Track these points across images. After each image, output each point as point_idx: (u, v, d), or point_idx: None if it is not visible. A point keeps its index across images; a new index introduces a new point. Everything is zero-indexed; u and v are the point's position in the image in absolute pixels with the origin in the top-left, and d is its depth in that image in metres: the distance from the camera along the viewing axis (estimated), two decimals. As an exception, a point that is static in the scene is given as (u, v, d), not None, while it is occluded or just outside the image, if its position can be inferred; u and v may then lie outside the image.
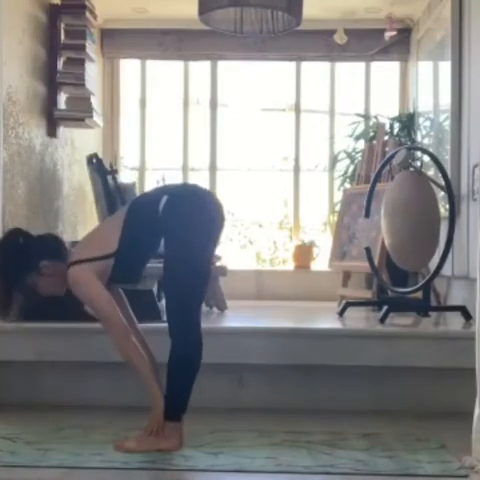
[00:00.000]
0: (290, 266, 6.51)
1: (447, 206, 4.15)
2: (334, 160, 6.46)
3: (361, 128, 6.30)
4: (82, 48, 5.00)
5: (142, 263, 2.82)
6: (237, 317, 4.34)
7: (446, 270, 4.33)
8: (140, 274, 2.85)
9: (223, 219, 2.83)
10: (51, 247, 2.77)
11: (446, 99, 4.91)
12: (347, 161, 6.19)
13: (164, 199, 2.68)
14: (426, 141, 5.71)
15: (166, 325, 3.53)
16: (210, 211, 2.75)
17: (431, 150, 4.92)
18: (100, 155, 5.27)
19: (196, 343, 2.73)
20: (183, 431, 2.66)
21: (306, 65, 6.69)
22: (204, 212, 2.72)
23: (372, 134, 5.93)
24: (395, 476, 2.42)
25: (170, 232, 2.69)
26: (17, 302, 2.75)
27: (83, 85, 5.02)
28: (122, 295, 2.87)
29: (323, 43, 6.40)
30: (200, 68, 6.73)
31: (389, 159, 4.25)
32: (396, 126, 6.03)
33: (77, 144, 5.60)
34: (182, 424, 2.66)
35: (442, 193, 4.41)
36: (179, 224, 2.67)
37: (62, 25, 5.01)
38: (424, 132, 5.79)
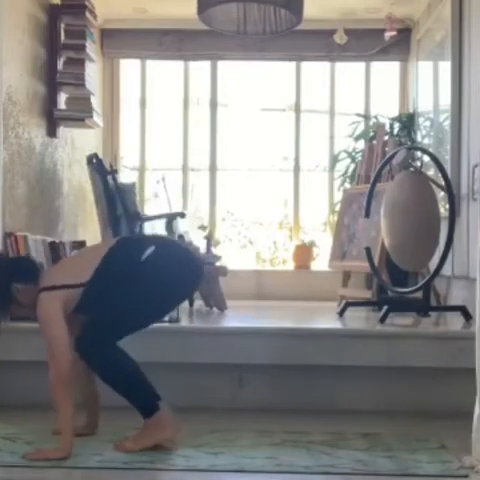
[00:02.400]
0: (290, 266, 6.51)
1: (447, 206, 4.15)
2: (334, 160, 6.46)
3: (361, 128, 6.30)
4: (82, 48, 5.00)
5: (109, 302, 2.76)
6: (237, 317, 4.34)
7: (446, 270, 4.33)
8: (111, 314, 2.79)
9: (197, 284, 2.88)
10: (24, 270, 2.74)
11: (446, 99, 4.91)
12: (347, 161, 6.19)
13: (150, 250, 2.68)
14: (426, 141, 5.71)
15: (165, 325, 3.54)
16: (188, 276, 2.77)
17: (431, 150, 4.92)
18: (100, 155, 5.27)
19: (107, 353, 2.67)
20: (169, 414, 2.65)
21: (306, 65, 6.69)
22: (182, 273, 2.73)
23: (372, 134, 5.93)
24: (395, 476, 2.42)
25: (142, 281, 2.67)
26: None
27: (83, 85, 5.02)
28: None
29: (323, 43, 6.40)
30: (200, 68, 6.73)
31: (389, 159, 4.25)
32: (396, 126, 6.04)
33: (77, 144, 5.59)
34: (164, 410, 2.64)
35: (442, 193, 4.41)
36: (153, 278, 2.66)
37: (62, 25, 5.00)
38: (424, 132, 5.79)
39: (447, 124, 4.93)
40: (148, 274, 2.66)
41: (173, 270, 2.71)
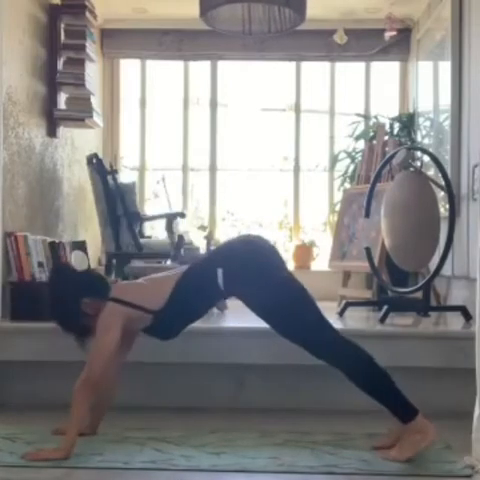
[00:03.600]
0: (290, 266, 6.51)
1: (447, 206, 4.15)
2: (334, 160, 6.46)
3: (361, 128, 6.31)
4: (82, 48, 5.00)
5: (184, 327, 2.82)
6: (237, 317, 4.34)
7: (446, 270, 4.33)
8: (177, 335, 2.84)
9: (276, 251, 2.83)
10: (94, 284, 2.76)
11: (446, 99, 4.91)
12: (347, 161, 6.19)
13: (220, 274, 2.67)
14: (426, 141, 5.71)
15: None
16: (265, 252, 2.75)
17: (431, 150, 4.92)
18: (100, 155, 5.28)
19: (354, 347, 2.70)
20: (424, 418, 2.59)
21: (306, 65, 6.69)
22: (261, 258, 2.71)
23: (372, 134, 5.93)
24: (399, 476, 2.42)
25: (244, 295, 2.72)
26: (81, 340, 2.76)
27: (83, 85, 5.02)
28: (132, 342, 2.87)
29: (323, 43, 6.40)
30: (200, 68, 6.73)
31: (389, 159, 4.25)
32: (396, 126, 6.04)
33: (77, 144, 5.59)
34: (421, 417, 2.58)
35: (442, 193, 4.41)
36: (248, 286, 2.68)
37: (62, 25, 5.00)
38: (424, 132, 5.79)
39: (447, 124, 4.93)
40: (240, 290, 2.71)
41: (252, 268, 2.69)
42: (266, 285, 2.67)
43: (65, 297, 2.71)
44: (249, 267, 2.68)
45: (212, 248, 2.94)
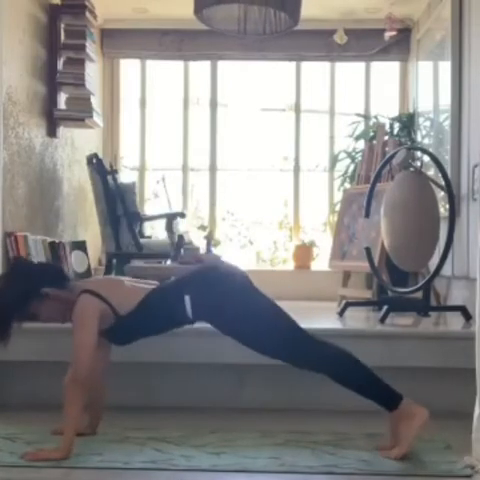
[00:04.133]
0: (290, 266, 6.51)
1: (447, 206, 4.15)
2: (334, 160, 6.46)
3: (361, 128, 6.31)
4: (82, 48, 5.01)
5: (141, 338, 2.81)
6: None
7: (446, 270, 4.33)
8: (131, 343, 2.83)
9: (240, 273, 2.81)
10: (52, 274, 2.76)
11: (446, 99, 4.91)
12: (347, 161, 6.19)
13: (188, 301, 2.65)
14: (426, 141, 5.71)
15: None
16: (231, 277, 2.73)
17: (431, 150, 4.92)
18: (100, 155, 5.28)
19: (333, 349, 2.68)
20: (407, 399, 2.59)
21: (306, 65, 6.69)
22: (227, 283, 2.70)
23: (372, 134, 5.93)
24: (399, 476, 2.42)
25: (214, 321, 2.70)
26: (13, 330, 2.74)
27: (83, 85, 5.03)
28: (108, 349, 2.86)
29: (323, 43, 6.40)
30: (200, 68, 6.73)
31: (389, 159, 4.25)
32: (396, 126, 6.04)
33: (77, 144, 5.60)
34: (406, 401, 2.58)
35: (442, 193, 4.41)
36: (217, 312, 2.66)
37: (62, 25, 5.01)
38: (424, 132, 5.79)
39: (447, 124, 4.93)
40: (210, 315, 2.69)
41: (221, 292, 2.67)
42: (235, 309, 2.65)
43: (19, 288, 2.68)
44: (217, 293, 2.66)
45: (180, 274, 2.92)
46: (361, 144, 6.07)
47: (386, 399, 2.60)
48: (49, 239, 4.43)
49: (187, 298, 2.65)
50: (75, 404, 2.56)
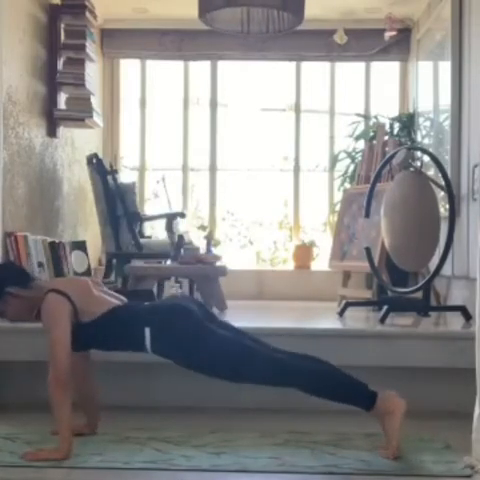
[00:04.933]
0: (290, 266, 6.51)
1: (447, 206, 4.15)
2: (334, 160, 6.46)
3: (361, 128, 6.30)
4: (82, 48, 5.01)
5: (93, 348, 2.81)
6: (237, 317, 4.34)
7: (446, 270, 4.33)
8: (83, 350, 2.82)
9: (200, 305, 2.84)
10: (15, 274, 2.77)
11: (446, 99, 4.91)
12: (347, 161, 6.19)
13: (147, 334, 2.64)
14: (426, 141, 5.71)
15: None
16: (192, 313, 2.71)
17: (431, 150, 4.92)
18: (100, 155, 5.28)
19: (291, 364, 2.67)
20: (382, 393, 2.59)
21: (306, 65, 6.69)
22: (188, 318, 2.68)
23: (372, 134, 5.93)
24: (399, 476, 2.42)
25: (174, 357, 2.70)
26: None
27: (83, 85, 5.03)
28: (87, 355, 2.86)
29: (323, 43, 6.40)
30: (200, 68, 6.73)
31: (389, 159, 4.25)
32: (396, 126, 6.04)
33: (77, 144, 5.60)
34: (380, 393, 2.58)
35: (442, 193, 4.41)
36: (176, 347, 2.66)
37: (62, 25, 5.01)
38: (424, 132, 5.79)
39: (447, 124, 4.93)
40: (168, 349, 2.69)
41: (181, 326, 2.66)
42: (195, 347, 2.64)
43: None
44: (177, 332, 2.65)
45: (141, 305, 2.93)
46: (361, 144, 6.07)
47: (360, 400, 2.60)
48: (49, 239, 4.42)
49: (147, 330, 2.64)
50: (63, 403, 2.55)
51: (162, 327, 2.66)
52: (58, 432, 2.56)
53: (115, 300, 2.80)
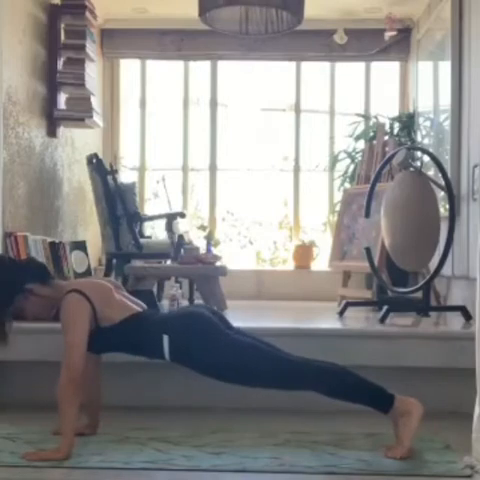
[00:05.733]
0: (290, 266, 6.51)
1: (447, 206, 4.15)
2: (334, 160, 6.46)
3: (361, 128, 6.30)
4: (82, 48, 5.01)
5: (112, 352, 2.82)
6: (237, 317, 4.33)
7: (446, 270, 4.33)
8: (102, 353, 2.84)
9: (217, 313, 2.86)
10: (36, 271, 2.76)
11: (446, 99, 4.91)
12: (347, 161, 6.19)
13: (166, 341, 2.66)
14: (426, 141, 5.71)
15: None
16: (208, 320, 2.74)
17: (431, 150, 4.92)
18: (100, 155, 5.28)
19: (321, 367, 2.69)
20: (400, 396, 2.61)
21: (306, 65, 6.69)
22: (206, 324, 2.71)
23: (372, 134, 5.93)
24: (399, 476, 2.42)
25: (193, 365, 2.71)
26: (8, 326, 2.73)
27: (83, 85, 5.03)
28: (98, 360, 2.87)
29: (323, 43, 6.40)
30: (200, 68, 6.73)
31: (389, 159, 4.25)
32: (396, 126, 6.04)
33: (77, 144, 5.60)
34: (399, 399, 2.60)
35: (442, 193, 4.41)
36: (196, 357, 2.68)
37: (62, 25, 5.01)
38: (424, 132, 5.79)
39: (447, 124, 4.93)
40: (184, 357, 2.71)
41: (197, 334, 2.69)
42: (214, 353, 2.66)
43: (3, 284, 2.67)
44: (195, 340, 2.67)
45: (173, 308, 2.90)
46: (361, 144, 6.07)
47: (379, 403, 2.62)
48: (49, 239, 4.42)
49: (166, 338, 2.66)
50: (72, 404, 2.55)
51: (180, 334, 2.67)
52: (62, 432, 2.56)
53: (135, 306, 2.81)
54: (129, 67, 6.79)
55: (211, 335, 2.67)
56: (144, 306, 2.86)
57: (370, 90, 6.67)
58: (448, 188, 3.98)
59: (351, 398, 2.69)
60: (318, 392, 2.69)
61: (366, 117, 6.43)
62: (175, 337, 2.67)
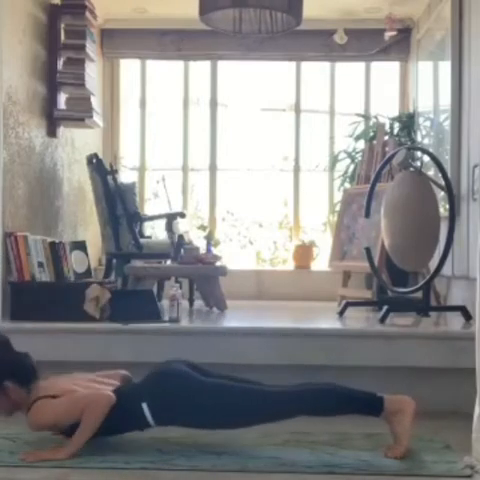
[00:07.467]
0: (290, 266, 6.51)
1: (447, 206, 4.15)
2: (334, 160, 6.46)
3: (361, 128, 6.30)
4: (82, 48, 5.01)
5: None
6: (237, 317, 4.34)
7: (446, 270, 4.33)
8: None
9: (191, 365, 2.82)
10: (22, 371, 2.72)
11: (446, 99, 4.91)
12: (347, 161, 6.19)
13: (146, 409, 2.63)
14: (426, 141, 5.71)
15: (165, 325, 3.54)
16: (180, 373, 2.71)
17: (431, 150, 4.92)
18: (100, 155, 5.28)
19: (308, 390, 2.69)
20: (390, 396, 2.61)
21: (306, 65, 6.69)
22: (180, 379, 2.68)
23: (372, 134, 5.93)
24: (399, 476, 2.42)
25: (174, 418, 2.69)
26: None
27: (83, 85, 5.02)
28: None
29: (323, 43, 6.40)
30: (200, 68, 6.73)
31: (389, 159, 4.25)
32: (396, 126, 6.04)
33: (77, 144, 5.60)
34: (388, 399, 2.60)
35: (442, 193, 4.41)
36: (180, 413, 2.65)
37: (62, 25, 5.00)
38: (424, 132, 5.79)
39: (447, 124, 4.93)
40: (173, 418, 2.69)
41: (179, 393, 2.66)
42: (198, 405, 2.64)
43: None
44: (174, 397, 2.64)
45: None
46: (361, 144, 6.07)
47: (368, 408, 2.61)
48: (49, 239, 4.42)
49: (145, 406, 2.64)
50: (97, 423, 2.57)
51: (158, 398, 2.65)
52: (74, 439, 2.56)
53: (105, 387, 2.74)
54: (129, 67, 6.79)
55: (190, 390, 2.64)
56: (116, 384, 2.79)
57: (370, 90, 6.67)
58: (448, 188, 3.98)
59: (339, 412, 2.67)
60: (308, 415, 2.66)
61: (366, 117, 6.43)
62: (154, 402, 2.63)
